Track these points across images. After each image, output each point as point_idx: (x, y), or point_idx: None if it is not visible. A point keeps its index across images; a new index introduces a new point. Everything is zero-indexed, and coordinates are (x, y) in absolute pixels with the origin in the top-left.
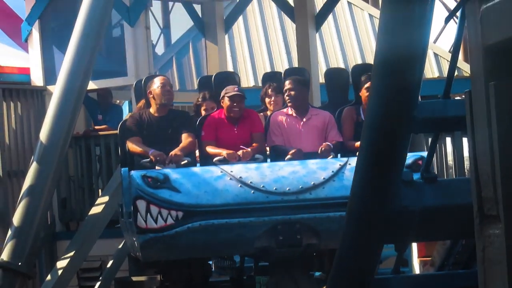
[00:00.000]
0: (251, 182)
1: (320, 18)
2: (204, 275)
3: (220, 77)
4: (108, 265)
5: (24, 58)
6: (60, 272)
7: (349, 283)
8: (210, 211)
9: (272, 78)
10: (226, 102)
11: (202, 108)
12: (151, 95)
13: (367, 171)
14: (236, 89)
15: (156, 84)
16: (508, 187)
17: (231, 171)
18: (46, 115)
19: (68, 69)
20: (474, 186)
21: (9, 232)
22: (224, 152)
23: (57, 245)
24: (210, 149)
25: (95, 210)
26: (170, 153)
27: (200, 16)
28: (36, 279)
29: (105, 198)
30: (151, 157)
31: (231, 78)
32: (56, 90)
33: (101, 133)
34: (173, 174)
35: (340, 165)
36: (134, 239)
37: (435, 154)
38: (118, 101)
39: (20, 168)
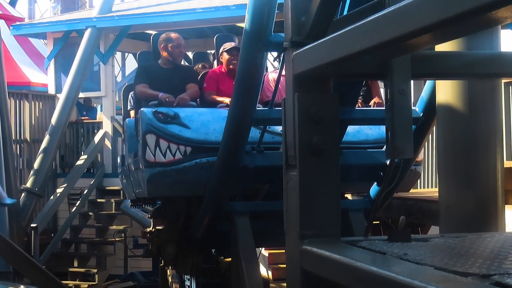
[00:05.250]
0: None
1: None
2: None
3: (220, 38)
4: (84, 193)
5: (44, 77)
6: (58, 195)
7: (212, 205)
8: (218, 148)
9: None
10: (225, 56)
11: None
12: (164, 50)
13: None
14: (233, 44)
15: (173, 43)
16: (302, 151)
17: None
18: (55, 110)
19: (68, 85)
20: (284, 150)
21: (31, 172)
22: (227, 100)
23: (57, 180)
24: (213, 97)
25: (79, 162)
26: (178, 96)
27: None
28: (44, 198)
29: (85, 156)
30: (161, 98)
31: (228, 38)
32: (61, 96)
33: (85, 121)
34: (183, 112)
35: None
36: (141, 174)
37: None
38: (94, 105)
39: (37, 138)
